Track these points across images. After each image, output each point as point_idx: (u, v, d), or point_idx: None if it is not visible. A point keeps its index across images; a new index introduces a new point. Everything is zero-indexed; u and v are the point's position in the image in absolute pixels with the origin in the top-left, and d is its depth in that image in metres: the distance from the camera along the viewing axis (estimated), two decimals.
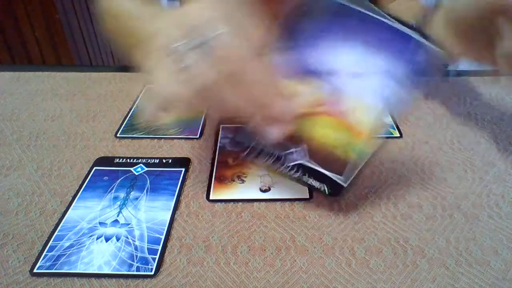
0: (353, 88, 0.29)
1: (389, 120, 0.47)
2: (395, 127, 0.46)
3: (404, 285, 0.30)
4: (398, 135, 0.45)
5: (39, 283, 0.29)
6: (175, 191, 0.37)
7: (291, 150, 0.31)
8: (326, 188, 0.32)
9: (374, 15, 0.28)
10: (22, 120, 0.47)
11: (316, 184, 0.32)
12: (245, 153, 0.33)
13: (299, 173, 0.32)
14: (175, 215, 0.35)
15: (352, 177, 0.31)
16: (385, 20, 0.28)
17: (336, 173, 0.31)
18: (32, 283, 0.29)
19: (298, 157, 0.31)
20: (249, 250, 0.32)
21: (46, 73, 0.56)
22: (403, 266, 0.31)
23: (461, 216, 0.35)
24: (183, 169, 0.40)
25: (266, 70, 0.29)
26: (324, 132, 0.30)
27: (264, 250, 0.32)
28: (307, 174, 0.32)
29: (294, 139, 0.30)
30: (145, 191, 0.37)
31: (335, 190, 0.32)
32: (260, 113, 0.28)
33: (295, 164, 0.31)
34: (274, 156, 0.32)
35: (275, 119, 0.29)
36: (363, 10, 0.28)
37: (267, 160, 0.32)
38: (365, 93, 0.29)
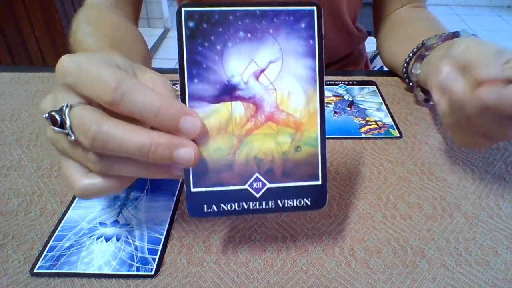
0: (270, 82, 0.27)
1: (389, 120, 0.47)
2: (395, 127, 0.46)
3: (404, 285, 0.30)
4: (398, 135, 0.45)
5: (39, 283, 0.29)
6: (175, 191, 0.37)
7: (251, 179, 0.27)
8: (307, 201, 0.28)
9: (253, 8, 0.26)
10: (22, 120, 0.47)
11: (295, 203, 0.28)
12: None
13: (271, 203, 0.28)
14: (175, 215, 0.35)
15: (326, 172, 0.28)
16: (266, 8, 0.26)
17: (309, 177, 0.28)
18: (32, 283, 0.29)
19: (262, 184, 0.27)
20: (249, 250, 0.32)
21: (46, 73, 0.56)
22: (403, 266, 0.31)
23: (461, 216, 0.35)
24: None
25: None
26: (266, 145, 0.27)
27: (264, 250, 0.32)
28: (280, 199, 0.28)
29: (245, 166, 0.27)
30: (145, 191, 0.37)
31: (318, 196, 0.28)
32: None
33: (263, 195, 0.27)
34: (241, 196, 0.27)
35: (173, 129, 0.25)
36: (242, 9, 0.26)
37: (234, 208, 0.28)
38: (284, 81, 0.27)
